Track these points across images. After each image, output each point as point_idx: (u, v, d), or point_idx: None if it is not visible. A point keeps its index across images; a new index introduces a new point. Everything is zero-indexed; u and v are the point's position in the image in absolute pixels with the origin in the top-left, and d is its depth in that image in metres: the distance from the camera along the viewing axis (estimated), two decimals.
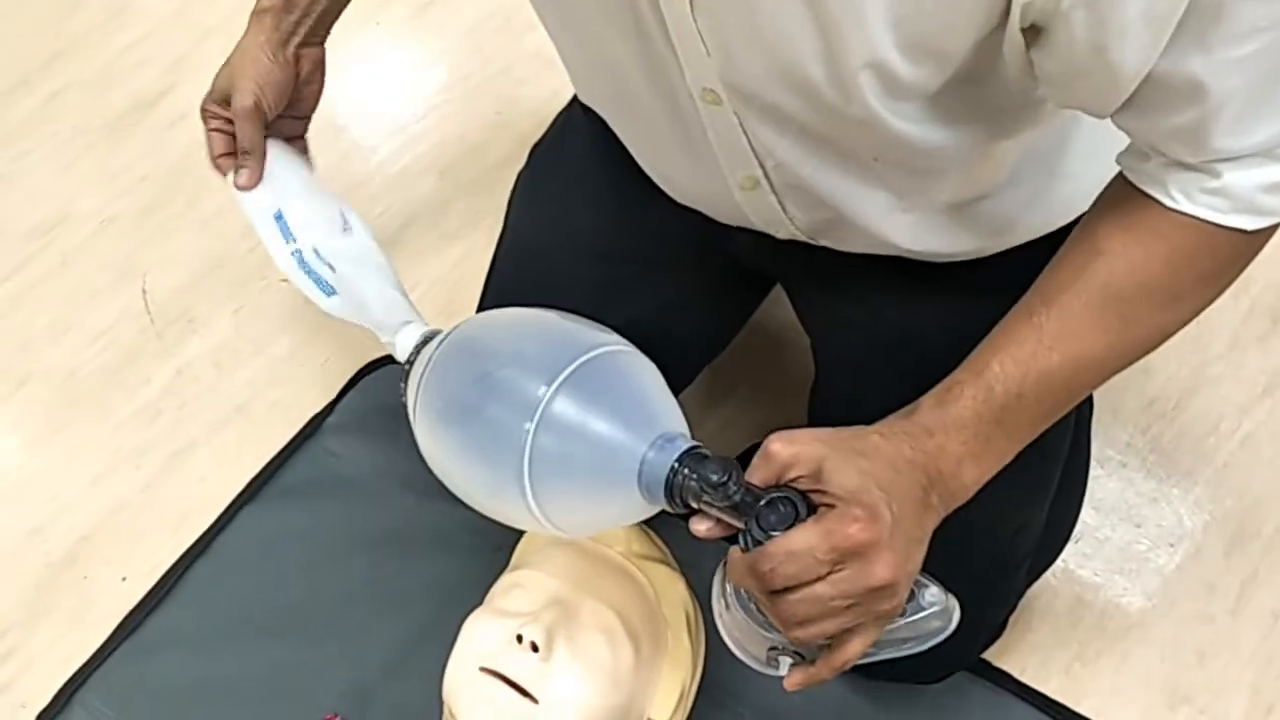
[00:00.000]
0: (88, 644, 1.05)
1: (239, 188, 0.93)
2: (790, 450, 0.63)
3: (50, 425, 1.20)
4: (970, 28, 0.60)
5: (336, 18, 0.94)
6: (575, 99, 1.00)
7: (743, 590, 0.67)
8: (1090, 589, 1.07)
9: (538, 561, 0.92)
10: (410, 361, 0.83)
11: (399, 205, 1.33)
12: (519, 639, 0.81)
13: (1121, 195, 0.68)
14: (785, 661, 0.68)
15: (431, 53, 1.49)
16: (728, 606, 0.68)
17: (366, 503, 1.10)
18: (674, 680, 0.89)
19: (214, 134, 0.93)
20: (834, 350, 0.98)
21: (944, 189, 0.78)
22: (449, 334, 0.80)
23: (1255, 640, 1.04)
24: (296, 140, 0.97)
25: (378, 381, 1.18)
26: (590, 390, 0.69)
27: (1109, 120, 0.65)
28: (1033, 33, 0.60)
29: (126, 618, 1.06)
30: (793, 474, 0.63)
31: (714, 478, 0.63)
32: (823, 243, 0.85)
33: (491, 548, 1.04)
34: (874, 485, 0.61)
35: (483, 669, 0.82)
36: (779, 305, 1.05)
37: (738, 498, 0.62)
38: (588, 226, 0.98)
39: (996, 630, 0.99)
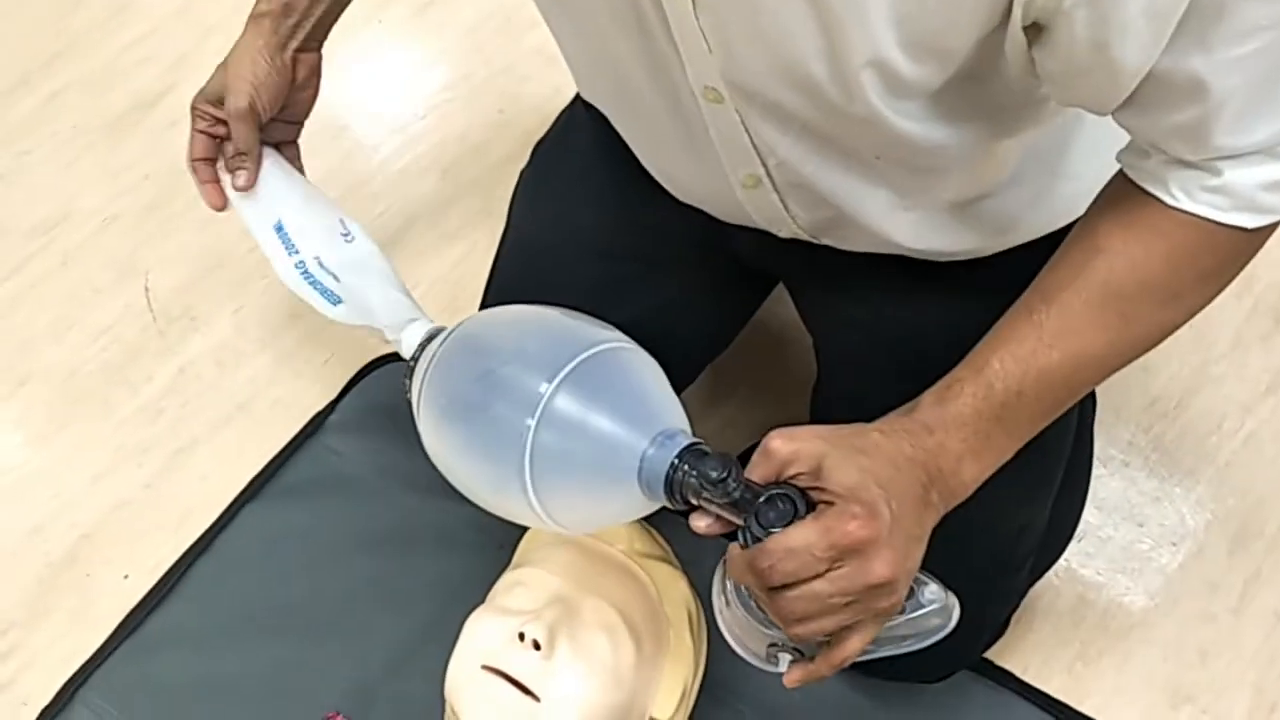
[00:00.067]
0: (89, 642, 1.05)
1: (236, 189, 0.93)
2: (790, 447, 0.63)
3: (52, 423, 1.20)
4: (972, 26, 0.60)
5: (334, 22, 0.95)
6: (578, 97, 1.00)
7: (742, 587, 0.67)
8: (1093, 588, 1.07)
9: (540, 559, 0.92)
10: (415, 358, 0.83)
11: (401, 204, 1.33)
12: (521, 637, 0.81)
13: (1122, 193, 0.68)
14: (784, 658, 0.68)
15: (433, 51, 1.49)
16: (728, 603, 0.68)
17: (368, 501, 1.10)
18: (676, 678, 0.89)
19: (198, 134, 0.93)
20: (836, 349, 0.98)
21: (946, 188, 0.77)
22: (452, 331, 0.80)
23: (1258, 639, 1.04)
24: (288, 145, 0.97)
25: (380, 380, 1.18)
26: (591, 387, 0.69)
27: (1111, 119, 0.65)
28: (1034, 30, 0.60)
29: (128, 616, 1.06)
30: (792, 471, 0.63)
31: (713, 474, 0.63)
32: (825, 241, 0.85)
33: (494, 546, 1.04)
34: (873, 483, 0.61)
35: (485, 667, 0.82)
36: (781, 304, 1.05)
37: (737, 494, 0.63)
38: (590, 224, 0.98)
39: (999, 629, 0.99)
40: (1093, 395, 1.03)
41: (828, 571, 0.61)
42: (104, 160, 1.39)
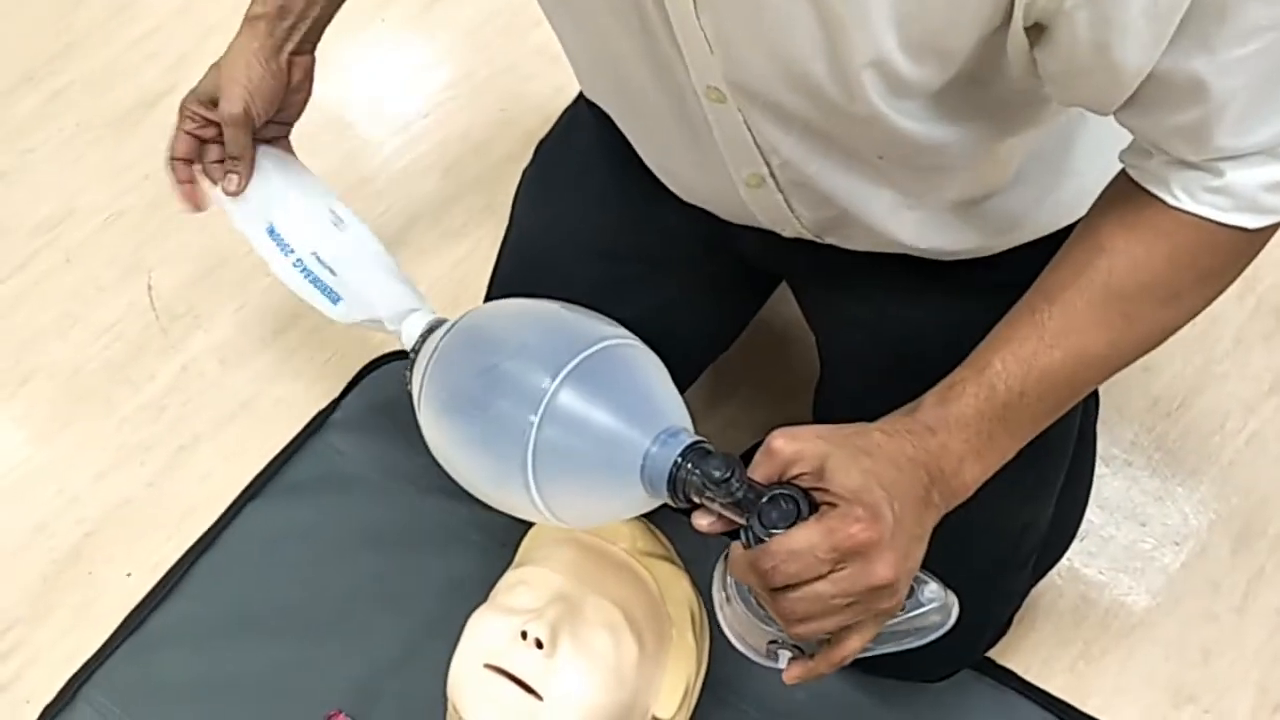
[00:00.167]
0: (92, 640, 1.05)
1: (228, 193, 0.92)
2: (793, 447, 0.63)
3: (55, 421, 1.20)
4: (974, 26, 0.60)
5: (328, 24, 0.94)
6: (581, 95, 1.00)
7: (743, 585, 0.67)
8: (1095, 587, 1.07)
9: (542, 558, 0.92)
10: (415, 350, 0.83)
11: (403, 203, 1.33)
12: (523, 635, 0.81)
13: (1124, 193, 0.68)
14: (784, 655, 0.68)
15: (436, 50, 1.49)
16: (728, 599, 0.68)
17: (371, 499, 1.10)
18: (678, 677, 0.89)
19: (184, 134, 0.92)
20: (839, 348, 0.98)
21: (949, 187, 0.77)
22: (455, 323, 0.80)
23: (1261, 638, 1.04)
24: (279, 142, 0.97)
25: (382, 378, 1.18)
26: (594, 384, 0.69)
27: (1115, 118, 0.65)
28: (1036, 31, 0.60)
29: (131, 614, 1.06)
30: (795, 471, 0.63)
31: (716, 474, 0.63)
32: (829, 241, 0.85)
33: (496, 544, 1.04)
34: (876, 484, 0.61)
35: (487, 666, 0.82)
36: (784, 302, 1.05)
37: (740, 494, 0.63)
38: (592, 224, 0.98)
39: (1001, 628, 0.99)
40: (1095, 395, 1.03)
41: (830, 573, 0.61)
42: (107, 158, 1.39)
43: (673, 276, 0.96)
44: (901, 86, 0.63)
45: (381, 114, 1.42)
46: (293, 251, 0.92)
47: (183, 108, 0.92)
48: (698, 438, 0.67)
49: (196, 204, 0.95)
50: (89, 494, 1.15)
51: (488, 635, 0.84)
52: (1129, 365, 0.70)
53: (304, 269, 0.91)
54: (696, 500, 0.65)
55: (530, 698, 0.81)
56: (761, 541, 0.61)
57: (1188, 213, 0.64)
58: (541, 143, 1.07)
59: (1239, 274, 0.69)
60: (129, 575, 1.10)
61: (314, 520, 1.10)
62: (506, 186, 1.08)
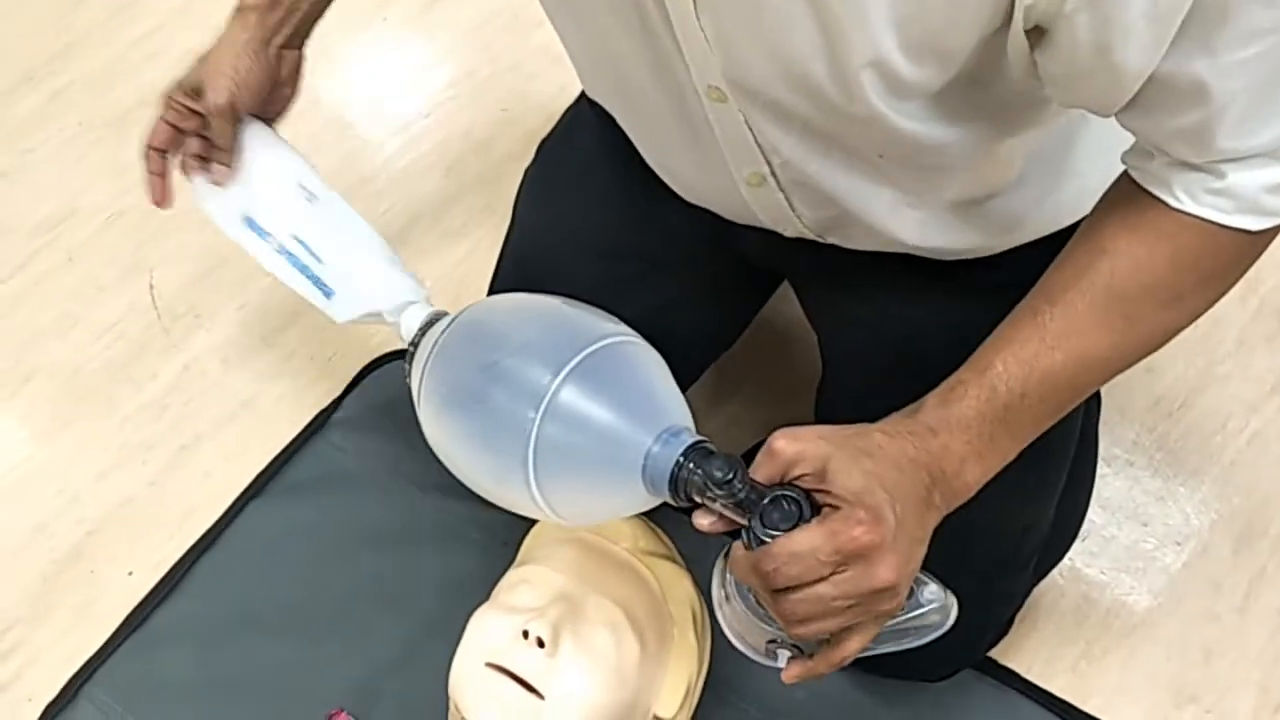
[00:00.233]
0: (94, 638, 1.05)
1: (213, 183, 0.91)
2: (795, 448, 0.63)
3: (56, 420, 1.20)
4: (973, 27, 0.59)
5: (318, 19, 0.93)
6: (583, 94, 1.00)
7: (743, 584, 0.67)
8: (1097, 587, 1.07)
9: (544, 557, 0.92)
10: (415, 343, 0.83)
11: (405, 202, 1.33)
12: (525, 635, 0.82)
13: (1126, 195, 0.68)
14: (783, 654, 0.68)
15: (438, 49, 1.49)
16: (727, 598, 0.68)
17: (373, 498, 1.10)
18: (680, 676, 0.89)
19: (163, 124, 0.91)
20: (841, 347, 0.98)
21: (951, 186, 0.77)
22: (455, 318, 0.79)
23: (1263, 639, 1.04)
24: None
25: (384, 377, 1.18)
26: (597, 381, 0.69)
27: (1116, 120, 0.65)
28: (1036, 34, 0.60)
29: (132, 612, 1.06)
30: (797, 472, 0.63)
31: (718, 474, 0.63)
32: (830, 240, 0.85)
33: (498, 543, 1.04)
34: (878, 487, 0.61)
35: (489, 665, 0.82)
36: (786, 302, 1.05)
37: (742, 495, 0.63)
38: (594, 223, 0.98)
39: (1002, 629, 0.99)
40: (1098, 395, 1.03)
41: (832, 575, 0.60)
42: (108, 157, 1.39)
43: (674, 276, 0.96)
44: (901, 87, 0.63)
45: (383, 113, 1.42)
46: (271, 237, 0.90)
47: (166, 97, 0.91)
48: (699, 437, 0.67)
49: (163, 198, 0.93)
50: (90, 493, 1.15)
51: (489, 634, 0.84)
52: (1131, 367, 0.70)
53: (289, 256, 0.89)
54: (698, 500, 0.65)
55: (532, 697, 0.81)
56: (763, 542, 0.61)
57: (1189, 215, 0.64)
58: (544, 142, 1.07)
59: (1241, 276, 0.69)
60: (130, 574, 1.10)
61: (315, 519, 1.10)
62: (508, 186, 1.08)
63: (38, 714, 1.02)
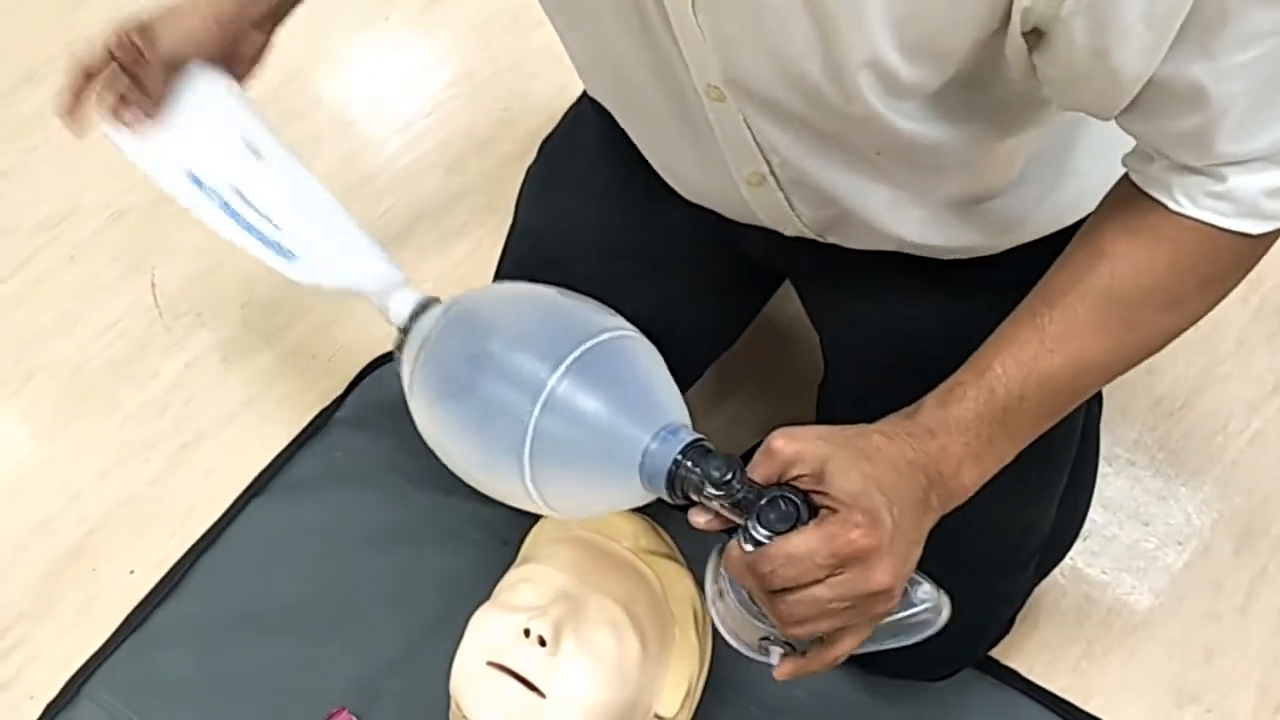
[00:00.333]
0: (95, 637, 1.05)
1: (124, 123, 0.87)
2: (793, 448, 0.63)
3: (58, 418, 1.20)
4: (970, 29, 0.59)
5: (292, 7, 0.92)
6: (585, 94, 1.00)
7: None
8: (1098, 587, 1.07)
9: (545, 556, 0.92)
10: (406, 329, 0.81)
11: (406, 201, 1.33)
12: (526, 633, 0.81)
13: (1126, 198, 0.68)
14: (776, 651, 0.68)
15: (439, 48, 1.49)
16: (721, 594, 0.68)
17: (374, 497, 1.10)
18: (681, 675, 0.89)
19: (105, 51, 0.86)
20: (842, 347, 0.98)
21: (950, 185, 0.77)
22: (451, 306, 0.78)
23: (1263, 638, 1.04)
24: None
25: (386, 376, 1.18)
26: (596, 376, 0.68)
27: (1116, 123, 0.65)
28: (1034, 37, 0.60)
29: (134, 611, 1.06)
30: (795, 472, 0.63)
31: (716, 474, 0.63)
32: (831, 240, 0.85)
33: (499, 542, 1.04)
34: (876, 489, 0.61)
35: (490, 663, 0.82)
36: (788, 301, 1.05)
37: (740, 495, 0.62)
38: (596, 222, 0.98)
39: (1004, 628, 0.99)
40: (1099, 395, 1.03)
41: (828, 578, 0.61)
42: (109, 156, 1.37)
43: (676, 275, 0.96)
44: (898, 87, 0.63)
45: (384, 112, 1.42)
46: (212, 192, 0.85)
47: (119, 30, 0.87)
48: (697, 435, 0.67)
49: (78, 120, 0.88)
50: (92, 491, 1.15)
51: (491, 633, 0.84)
52: (1130, 370, 0.70)
53: (231, 212, 0.84)
54: (694, 498, 0.65)
55: (533, 695, 0.81)
56: (759, 543, 0.61)
57: (1189, 218, 0.64)
58: (546, 141, 1.07)
59: (1241, 280, 0.69)
60: (132, 572, 1.10)
61: (317, 518, 1.10)
62: (509, 185, 1.08)
63: (39, 712, 1.02)
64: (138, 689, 1.02)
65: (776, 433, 0.64)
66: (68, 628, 1.07)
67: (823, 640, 0.66)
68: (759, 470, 0.64)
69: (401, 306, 0.81)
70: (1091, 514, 1.02)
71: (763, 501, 0.62)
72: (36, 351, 1.25)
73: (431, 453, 0.78)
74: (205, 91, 0.88)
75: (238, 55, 0.90)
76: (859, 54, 0.61)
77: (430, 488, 1.08)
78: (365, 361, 1.20)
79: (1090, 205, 0.71)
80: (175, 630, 1.05)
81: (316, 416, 1.17)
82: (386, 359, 1.19)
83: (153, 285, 1.28)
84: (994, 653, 1.01)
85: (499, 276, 1.03)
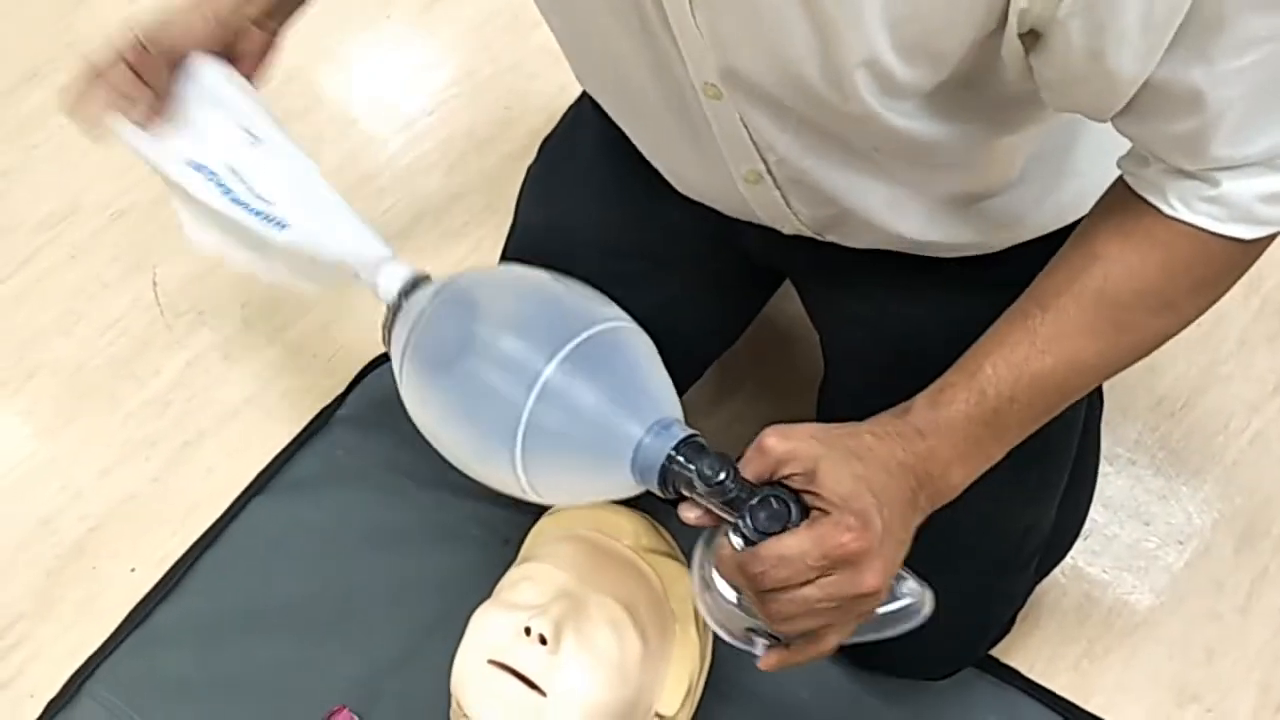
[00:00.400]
0: (96, 635, 1.05)
1: (134, 121, 0.88)
2: (785, 446, 0.63)
3: (60, 416, 1.21)
4: (967, 29, 0.59)
5: (297, 6, 0.92)
6: (585, 93, 1.00)
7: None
8: (1099, 586, 1.07)
9: (546, 555, 0.92)
10: (396, 306, 0.79)
11: (407, 200, 1.33)
12: (527, 632, 0.82)
13: (1120, 200, 0.68)
14: (761, 642, 0.68)
15: (440, 47, 1.49)
16: (707, 586, 0.68)
17: (376, 496, 1.10)
18: (682, 673, 0.89)
19: (117, 54, 0.86)
20: (841, 345, 0.98)
21: (949, 182, 0.77)
22: (444, 287, 0.77)
23: (1264, 638, 1.04)
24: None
25: (387, 374, 1.17)
26: (592, 367, 0.68)
27: (1112, 125, 0.65)
28: (1031, 38, 0.60)
29: (135, 609, 1.06)
30: (786, 471, 0.63)
31: (709, 472, 0.63)
32: (829, 238, 0.85)
33: (499, 541, 1.04)
34: (867, 491, 0.61)
35: (491, 662, 0.82)
36: (788, 299, 1.05)
37: (731, 493, 0.62)
38: (595, 221, 0.98)
39: (1004, 627, 0.99)
40: (1100, 394, 1.03)
41: (818, 579, 0.61)
42: (111, 155, 1.38)
43: (677, 273, 0.96)
44: (894, 87, 0.63)
45: (385, 111, 1.42)
46: (212, 174, 0.85)
47: (125, 30, 0.87)
48: (691, 431, 0.66)
49: (85, 117, 0.89)
50: (93, 489, 1.15)
51: (492, 631, 0.84)
52: (1121, 372, 0.70)
53: (227, 193, 0.84)
54: (685, 494, 0.65)
55: (534, 694, 0.81)
56: (750, 541, 0.62)
57: (1183, 222, 0.64)
58: (546, 140, 1.07)
59: (1233, 284, 0.69)
60: (133, 570, 1.10)
61: (318, 517, 1.10)
62: (509, 185, 1.08)
63: (39, 710, 1.02)
64: (138, 687, 1.02)
65: (769, 430, 0.64)
66: (69, 626, 1.07)
67: (809, 634, 0.66)
68: (750, 467, 0.63)
69: (391, 281, 0.79)
70: (1092, 513, 1.02)
71: (754, 500, 0.62)
72: (38, 350, 1.25)
73: (432, 450, 0.78)
74: (206, 82, 0.89)
75: (239, 52, 0.90)
76: (856, 53, 0.61)
77: (431, 486, 1.08)
78: (366, 360, 1.20)
79: (1090, 205, 0.71)
80: (176, 628, 1.05)
81: (318, 415, 1.17)
82: (387, 358, 1.19)
83: (154, 284, 1.29)
84: (995, 652, 1.01)
85: None
